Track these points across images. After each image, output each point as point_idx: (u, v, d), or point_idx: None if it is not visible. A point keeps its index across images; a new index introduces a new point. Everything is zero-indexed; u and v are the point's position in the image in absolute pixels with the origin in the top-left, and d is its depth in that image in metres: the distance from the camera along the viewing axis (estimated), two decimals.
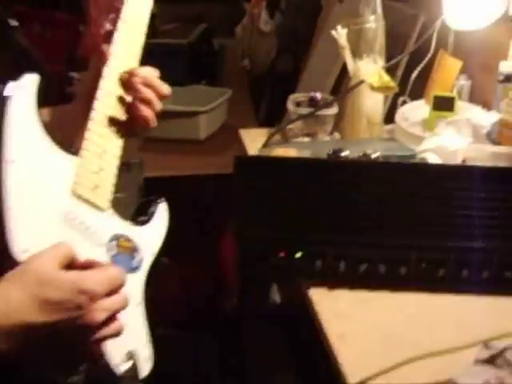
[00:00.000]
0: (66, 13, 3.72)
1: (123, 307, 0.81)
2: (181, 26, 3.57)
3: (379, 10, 1.65)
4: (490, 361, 0.85)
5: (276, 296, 2.27)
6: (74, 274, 0.77)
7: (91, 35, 3.56)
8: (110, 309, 0.78)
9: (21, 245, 0.80)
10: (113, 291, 0.79)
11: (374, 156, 1.15)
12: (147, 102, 0.98)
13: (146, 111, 0.98)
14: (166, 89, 1.01)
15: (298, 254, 1.00)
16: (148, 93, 0.98)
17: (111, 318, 0.79)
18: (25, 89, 0.88)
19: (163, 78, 1.04)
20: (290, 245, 1.00)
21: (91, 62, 1.06)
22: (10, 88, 0.86)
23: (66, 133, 1.01)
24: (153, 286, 1.00)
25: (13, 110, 0.85)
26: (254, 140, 1.71)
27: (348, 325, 0.93)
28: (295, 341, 1.99)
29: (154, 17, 1.09)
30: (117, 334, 0.80)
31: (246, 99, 2.99)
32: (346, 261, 1.00)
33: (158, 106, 1.00)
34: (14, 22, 0.99)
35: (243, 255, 1.06)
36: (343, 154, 1.16)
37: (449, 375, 0.81)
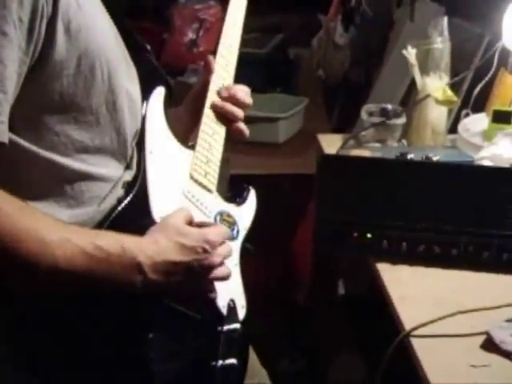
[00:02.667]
0: (151, 21, 3.98)
1: (230, 255, 1.05)
2: (259, 36, 3.74)
3: (446, 32, 1.79)
4: None
5: (341, 289, 2.46)
6: (200, 230, 1.02)
7: (175, 43, 3.89)
8: (223, 254, 1.03)
9: (157, 210, 1.04)
10: (223, 242, 1.04)
11: (434, 159, 1.37)
12: (240, 119, 1.19)
13: (240, 125, 1.19)
14: (249, 101, 1.21)
15: (369, 235, 1.23)
16: (239, 112, 1.19)
17: (222, 263, 1.03)
18: (156, 100, 1.12)
19: (244, 84, 1.23)
20: (363, 227, 1.23)
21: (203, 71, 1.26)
22: (146, 100, 1.11)
23: (175, 128, 1.22)
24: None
25: (149, 117, 1.10)
26: (329, 144, 1.86)
27: (406, 290, 1.16)
28: (360, 326, 2.18)
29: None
30: (226, 276, 1.05)
31: (321, 107, 3.08)
32: (408, 242, 1.22)
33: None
34: (148, 46, 1.22)
35: (323, 235, 1.29)
36: (408, 156, 1.37)
37: (485, 328, 1.03)
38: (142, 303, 1.00)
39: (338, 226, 1.25)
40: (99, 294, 0.97)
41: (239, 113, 1.19)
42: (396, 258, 1.23)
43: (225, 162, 1.98)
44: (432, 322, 1.04)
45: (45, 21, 0.91)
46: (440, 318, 1.04)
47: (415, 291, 1.18)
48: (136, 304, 1.00)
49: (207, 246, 1.00)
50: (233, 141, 1.22)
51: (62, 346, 1.00)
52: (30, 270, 0.91)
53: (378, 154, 1.48)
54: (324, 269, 1.99)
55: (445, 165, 1.32)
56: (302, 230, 2.48)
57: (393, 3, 3.00)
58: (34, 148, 0.96)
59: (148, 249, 0.97)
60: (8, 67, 0.88)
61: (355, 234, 1.22)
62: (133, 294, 0.98)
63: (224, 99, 1.19)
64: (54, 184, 1.00)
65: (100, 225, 1.02)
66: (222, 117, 1.19)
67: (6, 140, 0.90)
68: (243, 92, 1.21)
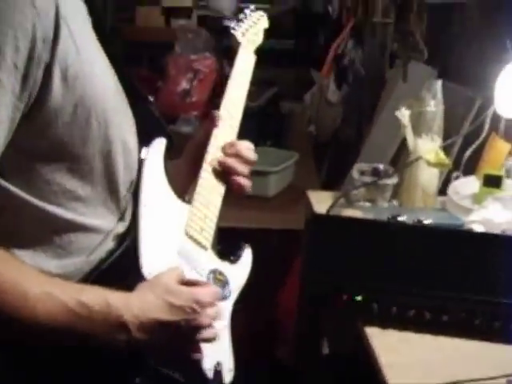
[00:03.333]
0: (146, 69, 4.02)
1: (219, 316, 1.03)
2: (252, 89, 3.77)
3: (439, 95, 1.81)
4: None
5: (325, 349, 2.43)
6: (190, 289, 1.00)
7: (168, 92, 3.93)
8: (212, 316, 1.01)
9: (147, 266, 1.01)
10: (213, 304, 1.02)
11: (426, 222, 1.36)
12: (242, 174, 1.15)
13: (242, 180, 1.15)
14: (254, 157, 1.18)
15: (359, 298, 1.21)
16: (242, 167, 1.15)
17: (210, 325, 1.01)
18: (156, 151, 1.10)
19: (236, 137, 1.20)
20: (353, 289, 1.21)
21: (203, 123, 1.25)
22: (145, 150, 1.09)
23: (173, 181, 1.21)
24: None
25: (147, 168, 1.08)
26: (319, 201, 1.85)
27: (396, 357, 1.14)
28: None
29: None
30: (213, 338, 1.02)
31: (311, 162, 3.13)
32: (398, 306, 1.20)
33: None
34: (151, 98, 1.21)
35: (311, 296, 1.27)
36: (400, 218, 1.37)
37: None
38: (125, 364, 0.98)
39: (327, 288, 1.23)
40: (80, 351, 0.94)
41: (243, 168, 1.16)
42: (386, 323, 1.21)
43: None
44: None
45: (42, 67, 0.89)
46: None
47: (405, 358, 1.15)
48: (119, 364, 0.97)
49: (196, 307, 0.98)
50: (233, 195, 1.19)
51: None
52: (10, 320, 0.89)
53: (369, 215, 1.47)
54: (309, 327, 1.96)
55: (437, 229, 1.31)
56: (287, 285, 2.47)
57: (385, 63, 3.07)
58: (23, 195, 0.94)
59: (135, 307, 0.95)
60: None
61: (344, 297, 1.20)
62: (116, 352, 0.95)
63: (228, 155, 1.16)
64: (43, 232, 0.97)
65: (88, 276, 1.00)
66: (223, 172, 1.16)
67: None
68: (248, 150, 1.18)
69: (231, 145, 1.17)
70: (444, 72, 2.29)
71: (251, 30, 1.33)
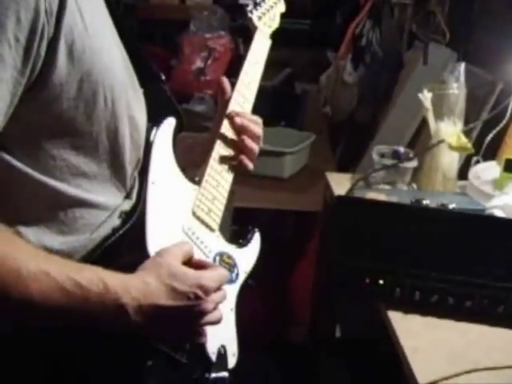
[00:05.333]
0: (159, 47, 4.00)
1: (223, 301, 1.01)
2: (267, 69, 3.75)
3: (462, 78, 1.79)
4: None
5: (337, 331, 2.43)
6: (195, 272, 0.97)
7: (182, 71, 3.89)
8: (217, 301, 0.98)
9: (153, 244, 1.00)
10: (219, 287, 0.99)
11: (450, 207, 1.34)
12: (255, 138, 1.17)
13: (253, 144, 1.16)
14: (260, 134, 1.19)
15: (381, 282, 1.20)
16: (256, 129, 1.17)
17: (214, 309, 0.98)
18: (165, 130, 1.10)
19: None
20: (375, 273, 1.20)
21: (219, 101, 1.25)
22: (155, 129, 1.08)
23: (191, 155, 1.22)
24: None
25: (156, 147, 1.07)
26: (338, 183, 1.86)
27: (419, 342, 1.13)
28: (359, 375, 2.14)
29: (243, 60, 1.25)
30: (217, 321, 1.00)
31: (326, 144, 3.09)
32: (421, 291, 1.19)
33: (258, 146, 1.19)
34: (162, 76, 1.20)
35: (333, 279, 1.26)
36: (424, 202, 1.35)
37: None
38: (123, 341, 0.95)
39: (350, 271, 1.22)
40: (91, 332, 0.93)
41: (253, 145, 1.16)
42: (408, 307, 1.20)
43: (230, 194, 1.93)
44: (446, 378, 1.00)
45: (45, 41, 0.88)
46: (456, 375, 1.01)
47: (428, 344, 1.14)
48: (116, 342, 0.95)
49: (200, 292, 0.95)
50: (242, 174, 1.20)
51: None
52: (1, 297, 0.86)
53: (393, 198, 1.46)
54: (324, 311, 1.96)
55: (462, 214, 1.30)
56: (302, 267, 2.46)
57: (403, 45, 3.03)
58: (28, 170, 0.93)
59: (135, 289, 0.92)
60: None
61: (367, 280, 1.19)
62: (126, 334, 0.93)
63: (237, 127, 1.16)
64: (47, 209, 0.96)
65: (91, 253, 0.98)
66: (233, 152, 1.16)
67: None
68: (257, 125, 1.19)
69: (238, 115, 1.17)
70: (465, 55, 2.26)
71: (268, 14, 1.33)
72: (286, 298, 2.49)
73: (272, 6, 1.36)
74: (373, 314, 1.34)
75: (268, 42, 1.30)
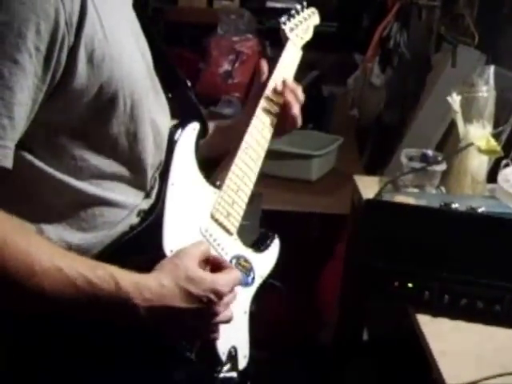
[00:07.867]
0: (187, 50, 4.02)
1: (233, 301, 1.02)
2: (295, 72, 3.74)
3: (491, 81, 1.79)
4: None
5: (364, 334, 2.43)
6: (210, 276, 0.98)
7: (210, 73, 3.92)
8: (228, 304, 1.00)
9: (169, 243, 1.02)
10: (232, 290, 1.01)
11: (480, 210, 1.34)
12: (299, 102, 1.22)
13: (297, 108, 1.22)
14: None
15: (410, 285, 1.20)
16: (299, 94, 1.23)
17: (225, 310, 1.00)
18: (188, 135, 1.11)
19: None
20: (404, 276, 1.21)
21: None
22: (178, 133, 1.10)
23: (221, 147, 1.24)
24: (259, 304, 1.17)
25: (178, 150, 1.09)
26: (366, 186, 1.85)
27: (447, 345, 1.13)
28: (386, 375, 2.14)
29: (272, 62, 1.27)
30: (228, 320, 1.01)
31: (353, 147, 3.10)
32: (450, 294, 1.19)
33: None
34: (188, 82, 1.22)
35: (362, 282, 1.26)
36: (453, 206, 1.35)
37: None
38: (132, 335, 0.97)
39: (379, 274, 1.22)
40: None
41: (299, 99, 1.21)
42: (437, 311, 1.20)
43: (258, 197, 1.95)
44: (474, 382, 1.00)
45: (65, 50, 0.90)
46: (485, 378, 1.01)
47: (456, 347, 1.14)
48: (126, 336, 0.97)
49: (213, 297, 0.97)
50: (279, 133, 1.24)
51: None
52: (15, 290, 0.89)
53: (421, 202, 1.46)
54: (352, 312, 1.96)
55: (492, 218, 1.30)
56: (330, 269, 2.46)
57: (431, 47, 3.02)
58: (49, 170, 0.95)
59: (149, 291, 0.93)
60: (17, 94, 0.87)
61: (396, 283, 1.20)
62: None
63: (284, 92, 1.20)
64: (68, 207, 0.98)
65: (108, 248, 1.00)
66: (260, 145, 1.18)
67: (9, 165, 0.88)
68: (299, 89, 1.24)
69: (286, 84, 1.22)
70: (494, 57, 2.25)
71: (301, 26, 1.34)
72: (314, 300, 2.50)
73: (306, 18, 1.36)
74: (400, 316, 1.34)
75: (299, 53, 1.31)
